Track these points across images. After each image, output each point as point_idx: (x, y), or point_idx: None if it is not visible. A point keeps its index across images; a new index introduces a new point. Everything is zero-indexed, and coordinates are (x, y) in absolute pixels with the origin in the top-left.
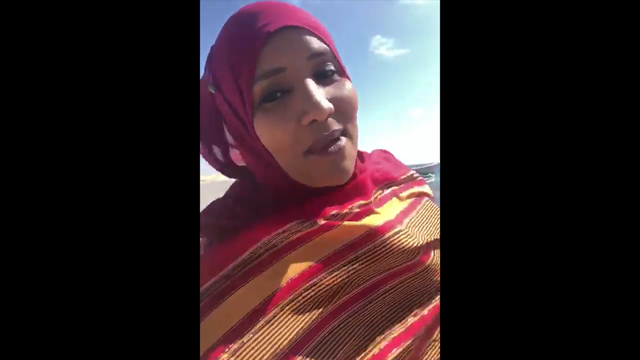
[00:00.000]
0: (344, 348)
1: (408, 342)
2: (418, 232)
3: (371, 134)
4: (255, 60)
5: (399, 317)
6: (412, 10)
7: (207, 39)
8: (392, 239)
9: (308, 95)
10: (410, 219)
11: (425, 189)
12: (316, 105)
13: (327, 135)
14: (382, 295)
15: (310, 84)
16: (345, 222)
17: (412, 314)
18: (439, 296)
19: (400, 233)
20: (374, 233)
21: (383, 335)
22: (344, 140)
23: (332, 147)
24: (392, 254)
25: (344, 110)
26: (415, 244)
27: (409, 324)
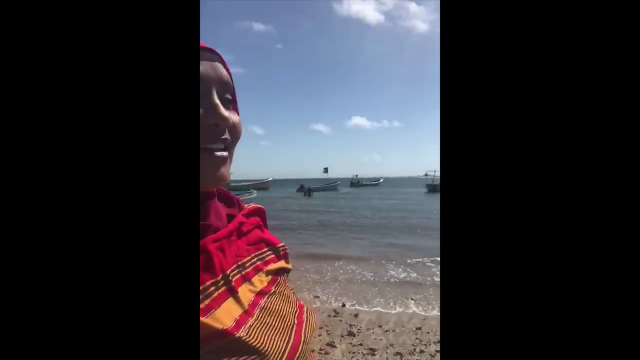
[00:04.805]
0: None
1: None
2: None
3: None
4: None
5: None
6: (250, 34)
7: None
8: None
9: (215, 104)
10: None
11: (283, 264)
12: (222, 114)
13: (219, 138)
14: None
15: (217, 98)
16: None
17: None
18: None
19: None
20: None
21: None
22: (226, 153)
23: (218, 152)
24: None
25: (232, 133)
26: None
27: None
